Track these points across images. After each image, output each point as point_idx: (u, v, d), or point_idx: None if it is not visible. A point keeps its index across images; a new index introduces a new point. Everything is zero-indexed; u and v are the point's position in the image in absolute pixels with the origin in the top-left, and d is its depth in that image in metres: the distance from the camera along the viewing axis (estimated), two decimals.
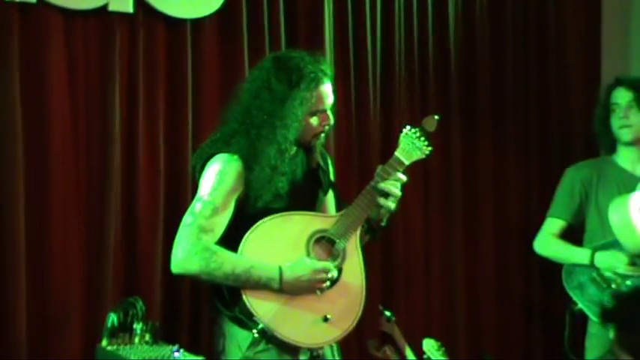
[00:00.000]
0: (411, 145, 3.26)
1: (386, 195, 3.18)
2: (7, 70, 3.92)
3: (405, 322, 4.79)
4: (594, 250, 4.28)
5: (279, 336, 3.03)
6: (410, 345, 4.55)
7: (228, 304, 3.11)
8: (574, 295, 4.29)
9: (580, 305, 4.27)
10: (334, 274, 3.09)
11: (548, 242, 4.49)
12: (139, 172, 4.23)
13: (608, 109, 4.45)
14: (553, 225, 4.50)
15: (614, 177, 4.38)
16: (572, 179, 4.48)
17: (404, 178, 3.24)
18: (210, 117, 4.22)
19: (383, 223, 3.29)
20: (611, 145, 4.49)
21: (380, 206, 3.20)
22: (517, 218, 5.45)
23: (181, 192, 4.25)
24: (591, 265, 4.25)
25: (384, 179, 3.19)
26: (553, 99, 5.58)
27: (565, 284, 4.32)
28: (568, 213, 4.45)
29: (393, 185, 3.19)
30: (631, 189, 4.22)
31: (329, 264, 3.10)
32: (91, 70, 4.15)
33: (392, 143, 3.30)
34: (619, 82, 4.47)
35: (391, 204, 3.20)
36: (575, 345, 4.45)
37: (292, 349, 3.11)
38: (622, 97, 4.41)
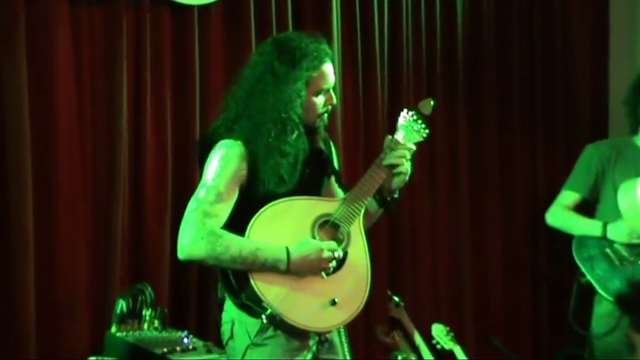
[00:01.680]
0: (410, 129, 3.26)
1: (395, 167, 3.17)
2: (14, 59, 3.92)
3: (412, 305, 4.81)
4: (606, 222, 4.31)
5: (287, 321, 3.02)
6: (418, 329, 4.56)
7: (236, 291, 3.10)
8: (583, 267, 4.31)
9: (588, 277, 4.29)
10: (340, 253, 3.09)
11: (561, 213, 4.53)
12: (146, 160, 4.24)
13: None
14: (567, 197, 4.54)
15: (632, 157, 4.41)
16: (590, 155, 4.52)
17: (413, 146, 3.21)
18: (217, 104, 4.17)
19: (396, 195, 3.28)
20: (633, 126, 4.49)
21: (392, 177, 3.19)
22: (523, 200, 5.46)
23: (189, 179, 4.25)
24: (603, 237, 4.29)
25: (392, 150, 3.18)
26: (559, 82, 5.59)
27: (575, 255, 4.35)
28: (584, 187, 4.49)
29: (402, 156, 3.17)
30: None
31: (334, 243, 3.10)
32: (98, 57, 4.16)
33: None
34: None
35: (403, 175, 3.19)
36: (580, 317, 4.45)
37: (301, 334, 3.11)
38: None
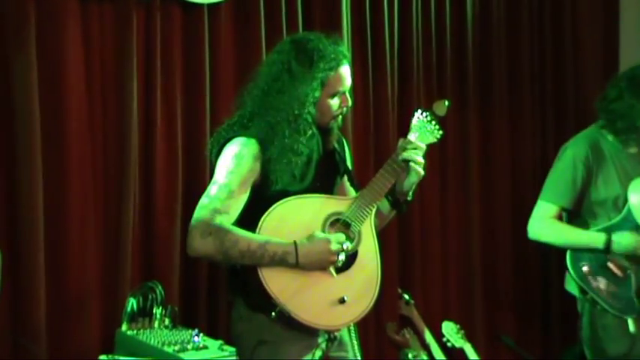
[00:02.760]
0: (424, 129, 3.25)
1: (410, 163, 3.16)
2: (25, 56, 3.92)
3: (422, 303, 4.81)
4: (608, 233, 4.04)
5: (297, 318, 3.02)
6: (428, 326, 4.56)
7: (246, 288, 3.10)
8: (584, 285, 4.06)
9: (590, 294, 4.05)
10: (349, 245, 3.09)
11: (548, 226, 4.16)
12: (156, 158, 4.25)
13: None
14: (549, 210, 4.18)
15: (609, 151, 4.15)
16: (574, 162, 4.15)
17: (423, 146, 3.20)
18: (227, 101, 4.22)
19: (409, 197, 3.28)
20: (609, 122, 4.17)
21: (407, 175, 3.18)
22: (534, 198, 5.42)
23: (199, 177, 4.26)
24: (606, 250, 4.03)
25: (405, 150, 3.18)
26: (569, 80, 5.59)
27: (572, 272, 4.07)
28: (567, 199, 4.15)
29: (415, 153, 3.17)
30: (625, 163, 4.13)
31: (342, 235, 3.10)
32: (108, 55, 4.16)
33: (408, 127, 3.28)
34: None
35: (420, 169, 3.17)
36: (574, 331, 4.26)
37: (310, 332, 3.11)
38: None
